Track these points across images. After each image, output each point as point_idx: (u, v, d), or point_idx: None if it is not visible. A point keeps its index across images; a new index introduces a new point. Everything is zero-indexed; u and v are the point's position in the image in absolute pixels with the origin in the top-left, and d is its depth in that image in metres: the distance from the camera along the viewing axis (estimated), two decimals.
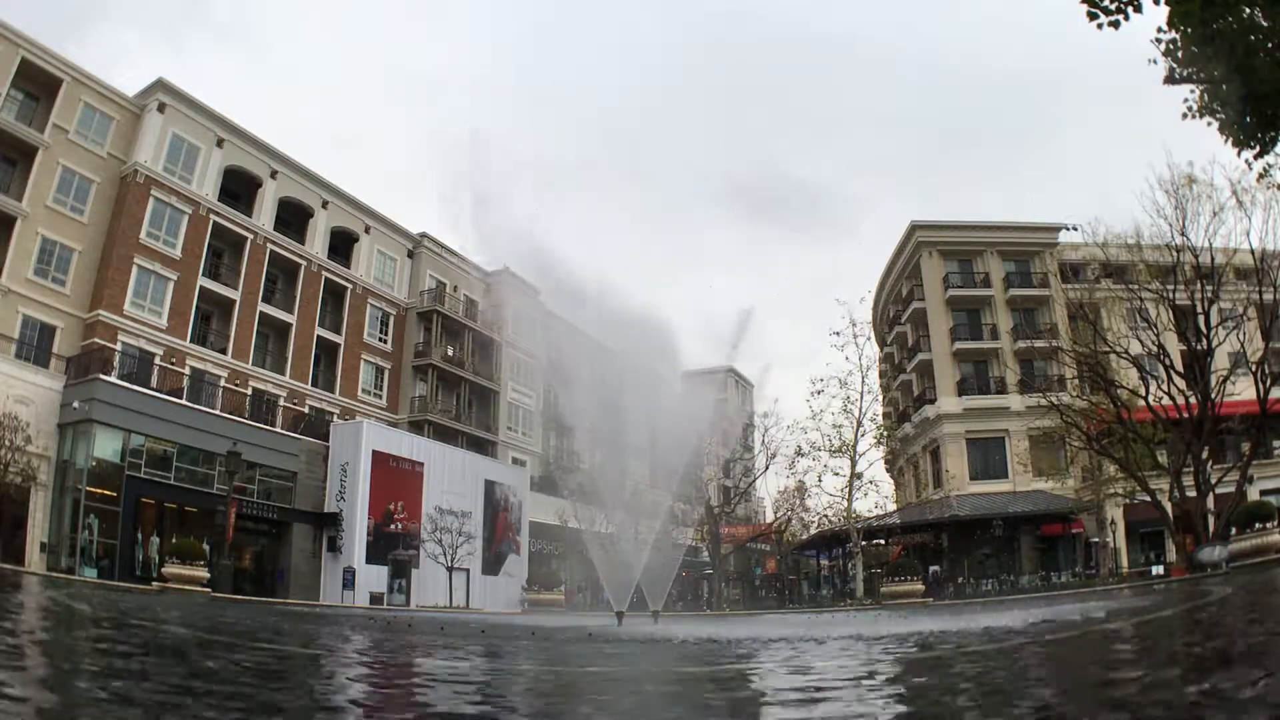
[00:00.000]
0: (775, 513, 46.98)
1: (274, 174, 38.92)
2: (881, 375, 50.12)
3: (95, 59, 74.06)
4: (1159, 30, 9.00)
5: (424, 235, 47.06)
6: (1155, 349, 28.27)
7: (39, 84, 30.96)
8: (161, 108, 34.19)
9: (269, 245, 38.04)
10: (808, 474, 39.54)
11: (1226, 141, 9.53)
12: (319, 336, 39.88)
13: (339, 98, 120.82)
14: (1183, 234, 27.26)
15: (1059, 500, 37.60)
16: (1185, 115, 9.73)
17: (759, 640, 9.68)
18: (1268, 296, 27.45)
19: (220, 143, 36.51)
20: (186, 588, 20.58)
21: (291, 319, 38.56)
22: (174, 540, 24.24)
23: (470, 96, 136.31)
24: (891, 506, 43.23)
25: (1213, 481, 27.11)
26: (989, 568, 38.15)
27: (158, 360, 32.26)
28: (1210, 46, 8.61)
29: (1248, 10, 8.59)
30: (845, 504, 38.50)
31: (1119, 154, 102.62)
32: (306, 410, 37.59)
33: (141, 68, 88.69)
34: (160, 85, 34.29)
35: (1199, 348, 27.54)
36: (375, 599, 30.32)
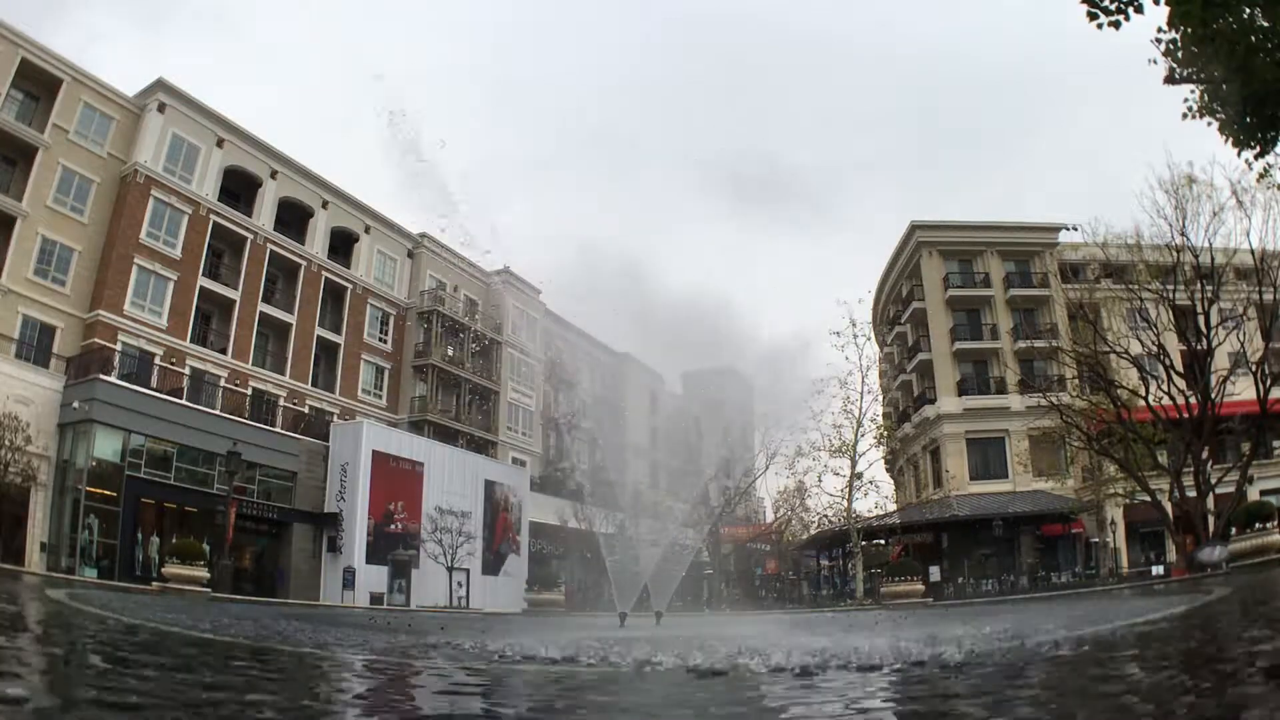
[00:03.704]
0: (775, 513, 47.04)
1: (274, 174, 38.92)
2: (881, 375, 50.13)
3: (71, 44, 73.96)
4: (1159, 30, 9.02)
5: (424, 235, 47.03)
6: (1155, 349, 28.28)
7: (39, 84, 30.96)
8: (161, 108, 34.20)
9: (269, 245, 38.04)
10: (808, 474, 39.62)
11: (1226, 141, 9.55)
12: (319, 336, 39.87)
13: (327, 91, 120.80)
14: (1183, 234, 27.30)
15: (1059, 500, 37.59)
16: (1185, 115, 9.76)
17: None
18: (1268, 296, 27.49)
19: (220, 143, 36.51)
20: (186, 588, 20.58)
21: (291, 319, 38.56)
22: (174, 540, 24.24)
23: (464, 93, 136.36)
24: (891, 506, 43.24)
25: (1213, 481, 27.13)
26: (989, 568, 38.14)
27: (158, 360, 32.26)
28: (1210, 46, 8.62)
29: (1248, 10, 8.61)
30: (845, 504, 38.54)
31: (1119, 151, 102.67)
32: (306, 410, 37.59)
33: (121, 57, 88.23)
34: (160, 85, 34.30)
35: (1199, 348, 27.55)
36: (375, 599, 30.32)
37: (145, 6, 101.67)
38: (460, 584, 32.75)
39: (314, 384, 39.37)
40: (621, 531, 34.34)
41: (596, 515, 36.78)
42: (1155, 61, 9.34)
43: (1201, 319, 27.50)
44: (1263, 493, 31.93)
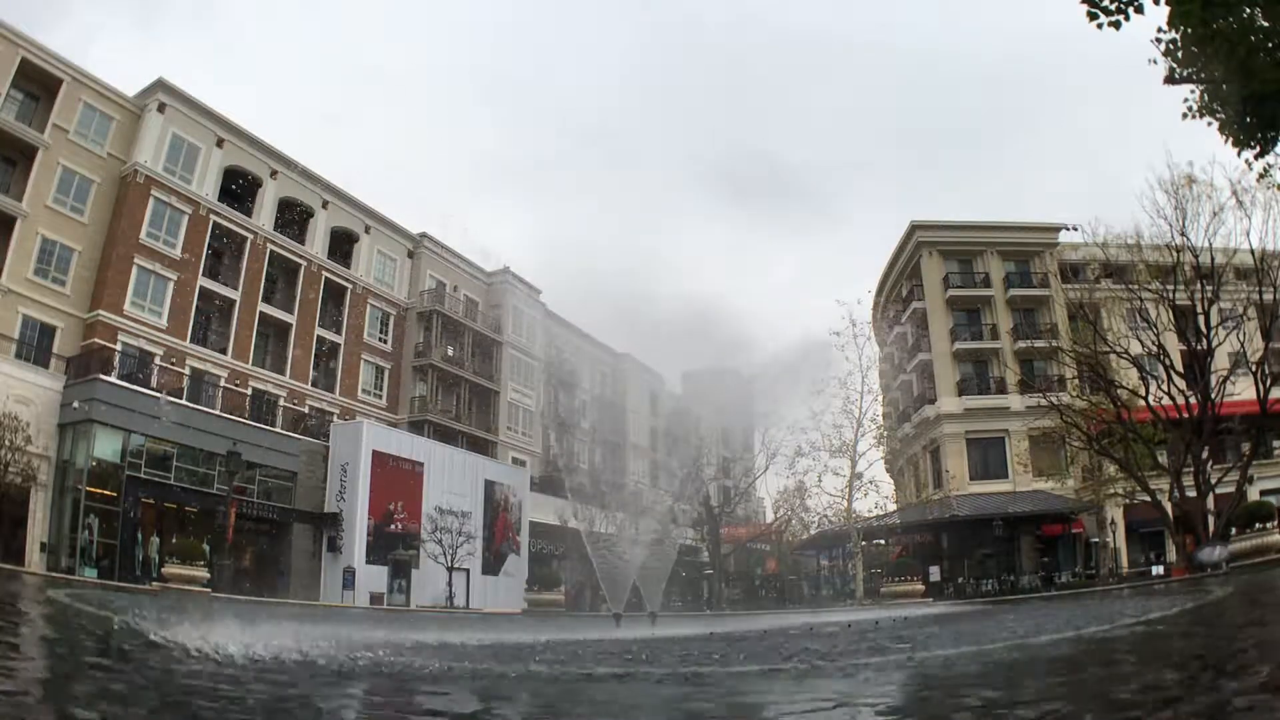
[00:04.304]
0: (775, 513, 46.98)
1: (274, 174, 38.91)
2: (881, 375, 50.10)
3: (69, 43, 73.66)
4: (1159, 30, 9.00)
5: (424, 235, 47.04)
6: (1155, 349, 28.28)
7: (39, 84, 30.94)
8: (161, 108, 34.18)
9: (269, 245, 38.02)
10: (808, 474, 39.56)
11: (1226, 141, 9.53)
12: (319, 336, 39.86)
13: (327, 90, 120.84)
14: (1183, 234, 27.30)
15: (1059, 500, 37.57)
16: (1185, 115, 9.74)
17: None
18: (1268, 296, 27.48)
19: (220, 143, 36.49)
20: (186, 588, 20.57)
21: (291, 319, 38.54)
22: (174, 540, 24.24)
23: (463, 92, 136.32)
24: (891, 506, 43.21)
25: (1213, 481, 27.12)
26: (989, 568, 38.13)
27: (158, 360, 32.25)
28: (1210, 46, 8.61)
29: (1248, 10, 8.59)
30: (845, 504, 38.51)
31: (1119, 151, 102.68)
32: (306, 410, 37.57)
33: (119, 56, 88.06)
34: (160, 85, 34.28)
35: (1199, 348, 27.55)
36: (375, 599, 30.31)
37: (143, 5, 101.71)
38: (448, 583, 32.50)
39: (314, 384, 39.35)
40: (602, 529, 34.30)
41: (597, 515, 36.74)
42: (1155, 61, 9.32)
43: (1201, 319, 27.50)
44: (1263, 493, 31.92)
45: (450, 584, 32.47)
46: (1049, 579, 35.73)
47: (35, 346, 29.44)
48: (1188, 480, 26.88)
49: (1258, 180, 12.04)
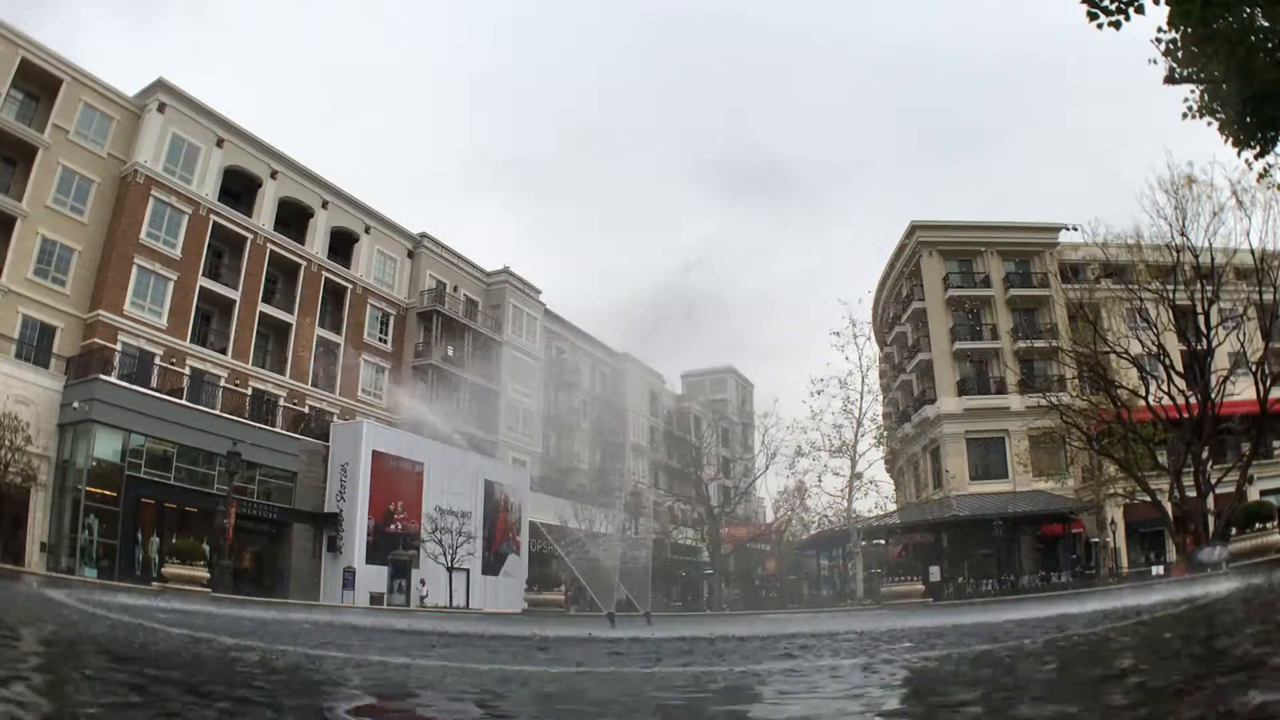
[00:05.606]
0: (775, 513, 47.07)
1: (274, 174, 38.90)
2: (881, 375, 50.12)
3: (57, 39, 73.38)
4: (1159, 30, 9.01)
5: (424, 235, 47.04)
6: (1155, 349, 28.28)
7: (39, 84, 30.93)
8: (161, 108, 34.16)
9: (269, 245, 38.00)
10: (808, 474, 39.64)
11: (1226, 141, 9.54)
12: (319, 336, 39.85)
13: (324, 88, 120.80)
14: (1183, 234, 27.29)
15: (1059, 500, 37.58)
16: (1185, 115, 9.75)
17: None
18: (1268, 296, 27.48)
19: (220, 143, 36.48)
20: (186, 588, 20.56)
21: (291, 319, 38.52)
22: (174, 540, 24.22)
23: (460, 92, 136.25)
24: (891, 506, 43.26)
25: (1213, 481, 27.11)
26: (989, 568, 38.14)
27: (158, 360, 32.24)
28: (1210, 46, 8.61)
29: (1248, 10, 8.60)
30: (845, 504, 38.56)
31: (1119, 151, 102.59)
32: (306, 410, 37.56)
33: (112, 53, 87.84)
34: (160, 85, 34.28)
35: (1199, 348, 27.54)
36: (375, 599, 30.30)
37: (141, 4, 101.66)
38: (423, 581, 32.19)
39: (314, 384, 39.34)
40: (565, 525, 34.13)
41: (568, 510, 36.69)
42: (1155, 61, 9.33)
43: (1201, 319, 27.49)
44: (1263, 493, 31.91)
45: (425, 582, 32.14)
46: (1048, 579, 35.69)
47: (35, 346, 29.42)
48: (1188, 480, 26.87)
49: (1258, 180, 12.04)
